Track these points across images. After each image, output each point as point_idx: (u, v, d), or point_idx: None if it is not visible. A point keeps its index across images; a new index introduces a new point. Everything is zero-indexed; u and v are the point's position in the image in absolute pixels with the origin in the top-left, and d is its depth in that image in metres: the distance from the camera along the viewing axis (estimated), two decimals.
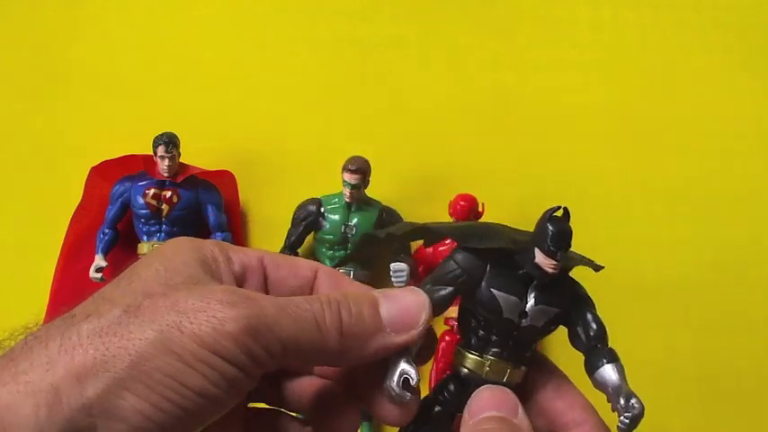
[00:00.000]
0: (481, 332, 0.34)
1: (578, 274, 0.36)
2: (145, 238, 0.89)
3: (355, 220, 0.90)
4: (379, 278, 0.89)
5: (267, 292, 0.33)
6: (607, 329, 0.34)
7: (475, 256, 0.33)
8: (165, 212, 0.89)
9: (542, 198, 0.93)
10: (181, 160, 0.90)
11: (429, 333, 0.33)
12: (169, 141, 0.88)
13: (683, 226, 0.97)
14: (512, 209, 0.90)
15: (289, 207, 0.91)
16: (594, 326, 0.34)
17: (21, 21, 1.01)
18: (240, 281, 0.33)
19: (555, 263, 0.32)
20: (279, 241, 0.91)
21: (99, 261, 0.88)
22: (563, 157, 0.98)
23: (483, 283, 0.33)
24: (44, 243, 0.91)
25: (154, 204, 0.89)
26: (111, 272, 0.88)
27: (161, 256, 0.31)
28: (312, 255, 0.94)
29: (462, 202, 0.89)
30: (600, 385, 0.33)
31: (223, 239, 0.90)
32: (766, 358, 0.94)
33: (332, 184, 0.90)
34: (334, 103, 0.99)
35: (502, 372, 0.33)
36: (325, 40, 1.01)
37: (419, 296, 0.32)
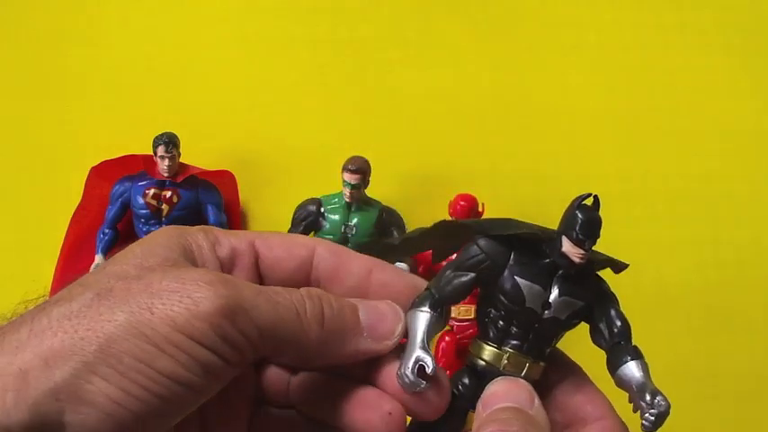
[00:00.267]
0: (501, 323, 0.32)
1: None
2: None
3: (355, 220, 0.90)
4: None
5: (260, 276, 0.33)
6: (630, 326, 0.33)
7: (498, 243, 0.32)
8: (165, 212, 0.89)
9: (542, 198, 0.93)
10: (181, 160, 0.90)
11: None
12: (169, 141, 0.88)
13: (683, 226, 0.96)
14: (512, 209, 0.90)
15: (289, 207, 0.91)
16: (619, 322, 0.33)
17: (21, 21, 1.01)
18: (228, 265, 0.32)
19: (583, 252, 0.31)
20: None
21: (99, 261, 0.88)
22: (563, 157, 0.98)
23: (506, 271, 0.32)
24: (44, 243, 0.91)
25: (154, 204, 0.89)
26: None
27: (141, 242, 0.30)
28: None
29: (462, 202, 0.89)
30: (623, 383, 0.31)
31: None
32: (766, 358, 0.94)
33: (332, 184, 0.90)
34: (334, 103, 0.99)
35: (521, 365, 0.32)
36: (325, 40, 1.01)
37: (395, 308, 0.32)
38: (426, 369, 0.31)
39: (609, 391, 0.33)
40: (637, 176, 0.98)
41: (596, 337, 0.33)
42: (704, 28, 1.02)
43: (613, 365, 0.32)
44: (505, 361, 0.32)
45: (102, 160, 0.91)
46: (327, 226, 0.90)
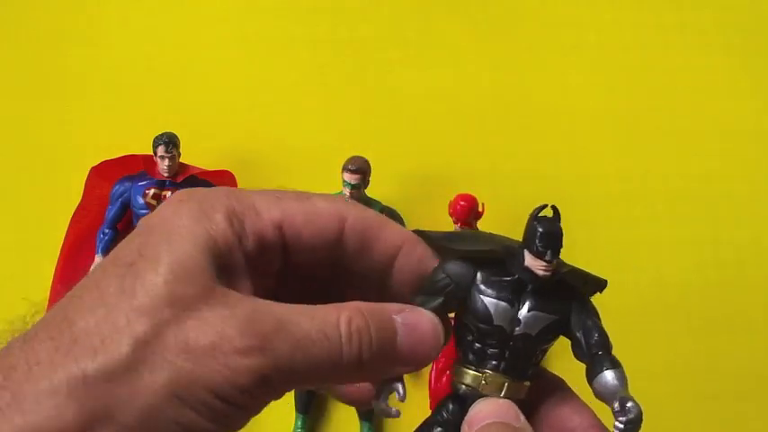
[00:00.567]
0: (477, 345, 0.32)
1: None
2: None
3: None
4: None
5: (287, 261, 0.31)
6: (609, 338, 0.32)
7: (463, 264, 0.32)
8: None
9: (542, 198, 0.92)
10: (181, 160, 0.90)
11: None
12: (169, 141, 0.88)
13: (683, 226, 0.96)
14: (512, 209, 0.89)
15: None
16: (596, 334, 0.32)
17: (21, 21, 1.01)
18: (255, 260, 0.30)
19: (545, 263, 0.31)
20: None
21: (99, 261, 0.88)
22: (563, 157, 0.98)
23: (473, 291, 0.32)
24: (44, 243, 0.91)
25: (154, 204, 0.89)
26: None
27: (167, 247, 0.28)
28: None
29: (462, 202, 0.89)
30: (599, 393, 0.31)
31: None
32: (766, 358, 0.94)
33: (332, 184, 0.90)
34: (334, 102, 0.99)
35: (499, 386, 0.32)
36: (325, 40, 1.01)
37: (436, 328, 0.31)
38: (397, 396, 0.31)
39: (593, 405, 0.33)
40: (637, 176, 0.98)
41: (575, 350, 0.33)
42: (704, 28, 1.02)
43: (590, 376, 0.32)
44: (484, 382, 0.32)
45: (102, 160, 0.91)
46: None
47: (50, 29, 1.00)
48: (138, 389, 0.25)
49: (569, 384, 0.34)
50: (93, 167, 0.91)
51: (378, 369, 0.30)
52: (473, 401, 0.32)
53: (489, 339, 0.32)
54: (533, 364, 0.33)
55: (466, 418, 0.32)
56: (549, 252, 0.31)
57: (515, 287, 0.32)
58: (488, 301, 0.32)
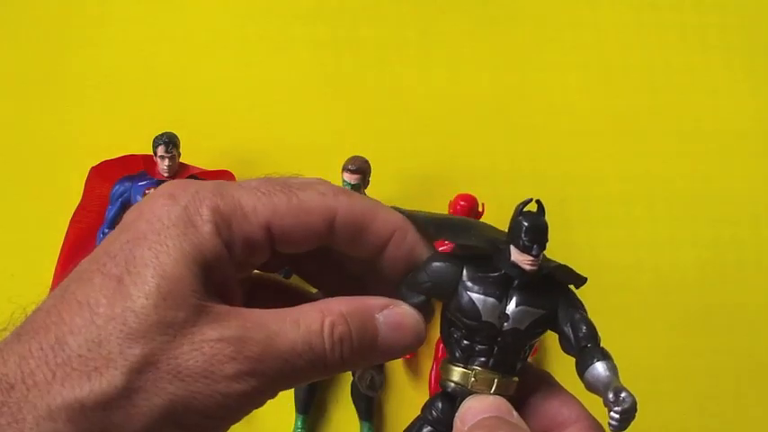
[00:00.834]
0: (465, 342, 0.32)
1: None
2: None
3: None
4: None
5: (275, 254, 0.32)
6: (597, 330, 0.32)
7: (449, 263, 0.32)
8: None
9: (542, 198, 0.92)
10: (181, 160, 0.90)
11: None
12: (169, 141, 0.88)
13: (683, 226, 0.97)
14: (512, 209, 0.89)
15: None
16: (584, 326, 0.32)
17: (21, 21, 1.00)
18: (243, 263, 0.31)
19: (532, 258, 0.31)
20: None
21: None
22: (563, 157, 0.98)
23: (459, 288, 0.32)
24: (44, 243, 0.91)
25: None
26: None
27: (155, 263, 0.28)
28: None
29: (462, 202, 0.89)
30: (590, 385, 0.31)
31: None
32: (766, 358, 0.94)
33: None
34: (333, 102, 0.99)
35: (489, 382, 0.32)
36: (325, 40, 1.01)
37: (418, 325, 0.31)
38: (374, 385, 0.33)
39: (585, 398, 0.33)
40: (637, 176, 0.98)
41: (563, 343, 0.33)
42: (704, 28, 1.02)
43: (581, 369, 0.32)
44: (473, 379, 0.32)
45: (102, 160, 0.91)
46: None
47: (50, 29, 1.00)
48: (133, 415, 0.26)
49: (562, 381, 0.34)
50: (93, 167, 0.91)
51: (358, 365, 0.32)
52: (462, 399, 0.32)
53: (478, 336, 0.32)
54: (521, 359, 0.33)
55: (458, 414, 0.32)
56: (535, 247, 0.31)
57: (502, 282, 0.32)
58: (476, 297, 0.32)
